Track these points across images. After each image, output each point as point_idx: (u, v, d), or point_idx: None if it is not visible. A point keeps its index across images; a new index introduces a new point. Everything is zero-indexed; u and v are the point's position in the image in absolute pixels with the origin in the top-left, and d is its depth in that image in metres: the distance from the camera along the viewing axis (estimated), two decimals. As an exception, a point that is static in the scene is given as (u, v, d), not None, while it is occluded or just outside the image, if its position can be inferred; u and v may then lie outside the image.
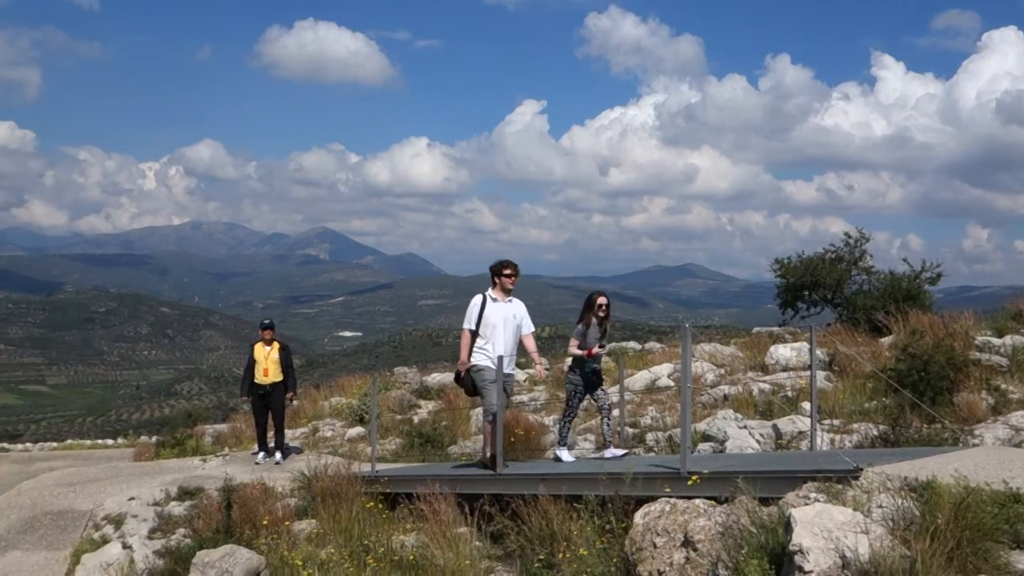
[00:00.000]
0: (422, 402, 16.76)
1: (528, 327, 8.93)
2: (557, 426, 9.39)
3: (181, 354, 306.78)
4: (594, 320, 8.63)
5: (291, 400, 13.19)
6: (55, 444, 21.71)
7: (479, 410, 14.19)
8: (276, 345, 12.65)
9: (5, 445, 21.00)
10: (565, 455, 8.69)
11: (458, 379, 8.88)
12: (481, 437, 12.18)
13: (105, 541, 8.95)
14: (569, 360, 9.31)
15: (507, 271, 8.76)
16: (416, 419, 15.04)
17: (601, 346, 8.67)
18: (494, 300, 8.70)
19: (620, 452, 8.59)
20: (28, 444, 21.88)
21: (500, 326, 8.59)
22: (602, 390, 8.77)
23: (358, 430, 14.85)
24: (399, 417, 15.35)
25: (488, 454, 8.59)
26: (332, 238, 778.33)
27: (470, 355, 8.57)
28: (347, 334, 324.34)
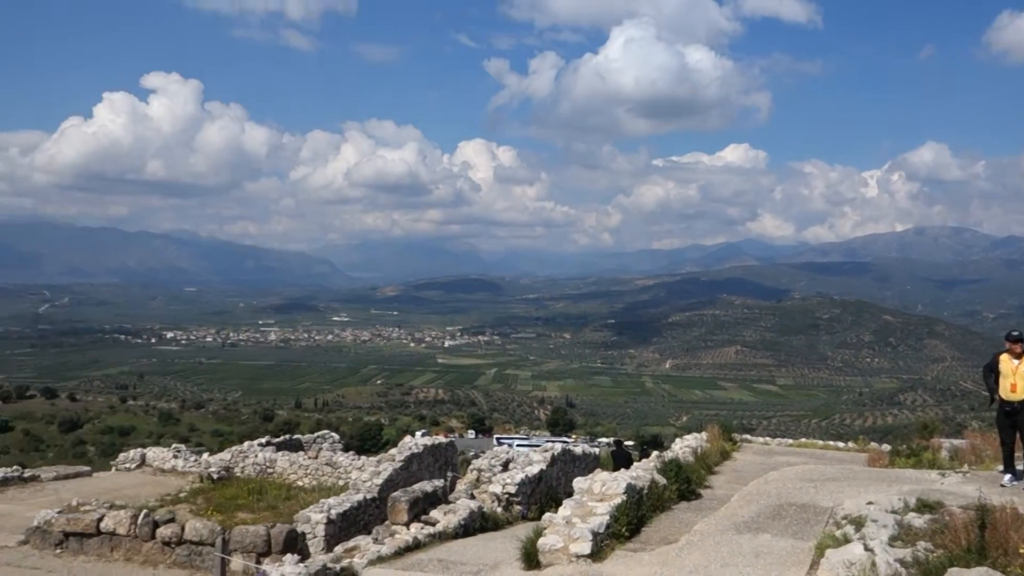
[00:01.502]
0: None
1: None
2: None
3: (904, 363, 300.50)
4: None
5: None
6: (790, 441, 23.14)
7: None
8: (1027, 359, 11.47)
9: (748, 436, 23.16)
10: None
11: None
12: None
13: (846, 540, 9.20)
14: None
15: None
16: None
17: None
18: None
19: None
20: (767, 438, 23.75)
21: None
22: None
23: None
24: None
25: None
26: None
27: None
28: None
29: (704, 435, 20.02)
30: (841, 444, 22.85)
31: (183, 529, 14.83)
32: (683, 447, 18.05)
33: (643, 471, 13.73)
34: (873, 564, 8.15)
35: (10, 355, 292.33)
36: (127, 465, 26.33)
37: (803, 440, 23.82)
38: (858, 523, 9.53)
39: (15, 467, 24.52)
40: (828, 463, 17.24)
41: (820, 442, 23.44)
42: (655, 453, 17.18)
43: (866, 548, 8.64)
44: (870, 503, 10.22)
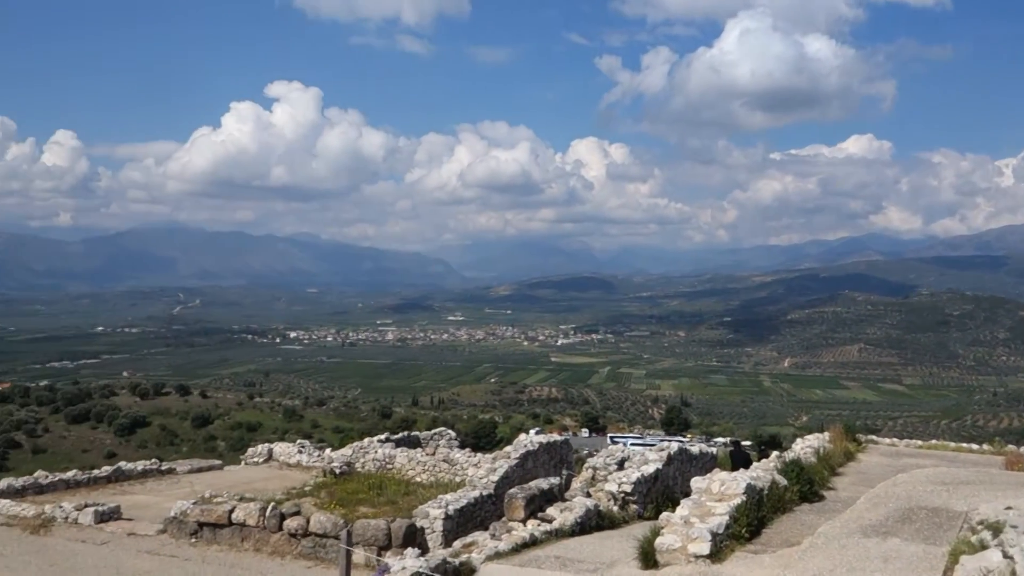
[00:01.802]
0: None
1: None
2: None
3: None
4: None
5: None
6: (919, 442, 22.17)
7: None
8: None
9: (873, 438, 22.30)
10: None
11: None
12: None
13: (983, 546, 8.77)
14: None
15: None
16: None
17: None
18: None
19: None
20: (894, 439, 22.81)
21: None
22: None
23: None
24: None
25: None
26: None
27: None
28: None
29: (826, 435, 19.41)
30: (975, 446, 21.76)
31: (308, 522, 15.33)
32: (804, 447, 17.56)
33: (763, 471, 13.43)
34: (1013, 572, 7.76)
35: (147, 353, 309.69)
36: (255, 459, 27.49)
37: (933, 442, 22.76)
38: (995, 529, 9.08)
39: (153, 460, 25.94)
40: (961, 466, 16.46)
41: (952, 444, 22.36)
42: (775, 453, 16.77)
43: (1005, 555, 8.22)
44: (1009, 508, 9.72)
